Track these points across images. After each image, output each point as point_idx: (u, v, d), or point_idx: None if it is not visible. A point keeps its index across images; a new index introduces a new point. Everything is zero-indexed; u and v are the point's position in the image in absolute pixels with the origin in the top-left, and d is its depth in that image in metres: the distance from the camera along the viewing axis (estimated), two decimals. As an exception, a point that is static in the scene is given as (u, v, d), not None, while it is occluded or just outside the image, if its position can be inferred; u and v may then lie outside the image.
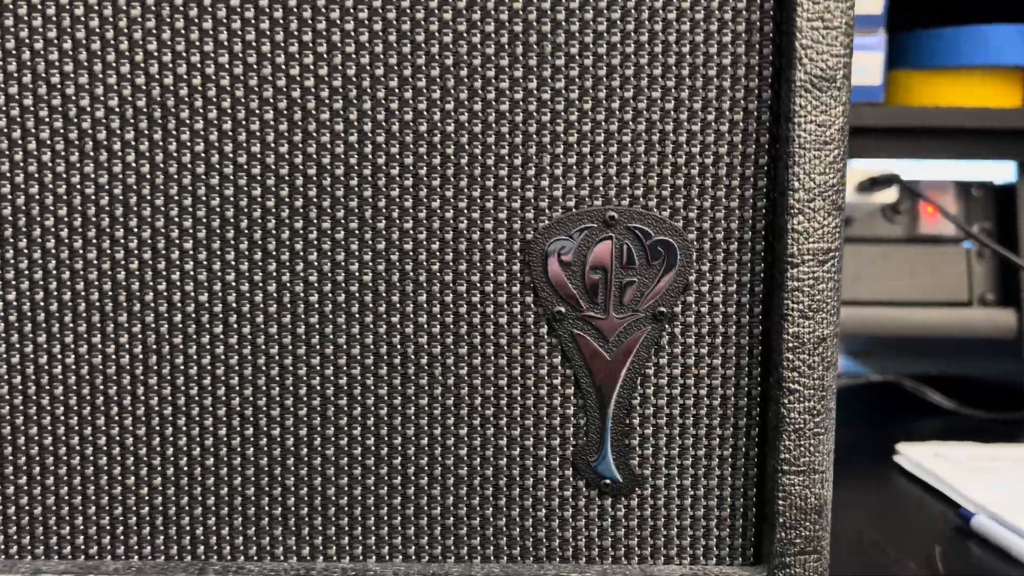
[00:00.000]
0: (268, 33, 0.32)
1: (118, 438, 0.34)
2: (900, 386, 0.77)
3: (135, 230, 0.33)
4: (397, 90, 0.32)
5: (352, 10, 0.32)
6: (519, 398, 0.34)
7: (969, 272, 0.78)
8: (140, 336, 0.33)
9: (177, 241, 0.33)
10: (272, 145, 0.32)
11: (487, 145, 0.33)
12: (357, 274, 0.33)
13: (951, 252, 0.77)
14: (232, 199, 0.33)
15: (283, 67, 0.32)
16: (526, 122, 0.33)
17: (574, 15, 0.32)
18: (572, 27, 0.32)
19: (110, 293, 0.33)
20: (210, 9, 0.32)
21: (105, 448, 0.34)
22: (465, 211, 0.33)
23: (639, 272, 0.33)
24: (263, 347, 0.33)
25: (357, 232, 0.33)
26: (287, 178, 0.33)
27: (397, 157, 0.33)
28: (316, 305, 0.33)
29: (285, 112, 0.32)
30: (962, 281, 0.77)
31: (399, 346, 0.34)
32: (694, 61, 0.33)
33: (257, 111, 0.32)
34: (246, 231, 0.33)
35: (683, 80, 0.33)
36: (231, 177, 0.33)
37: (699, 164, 0.33)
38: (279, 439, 0.34)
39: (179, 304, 0.33)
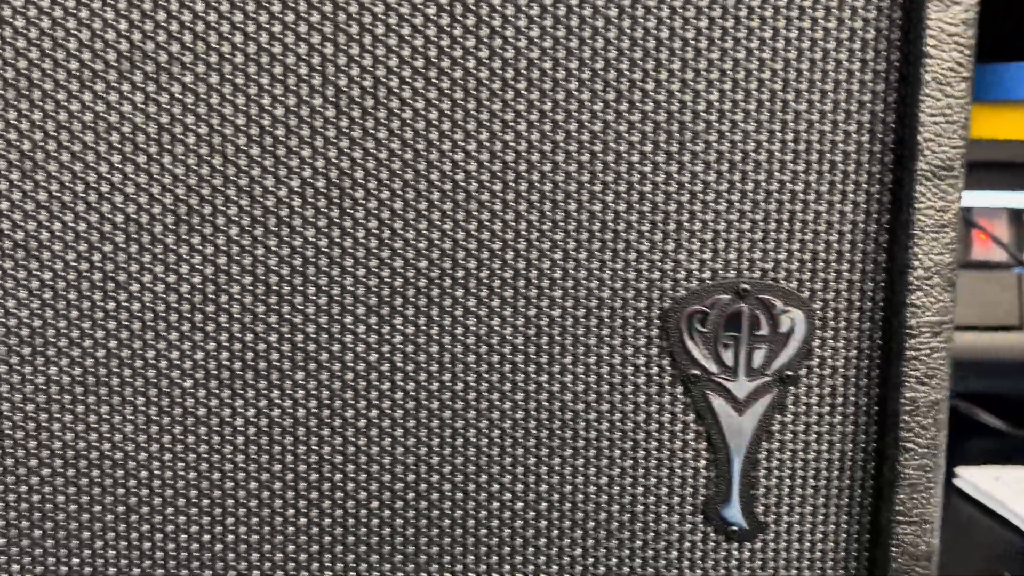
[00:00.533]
0: (427, 123, 0.35)
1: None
2: (954, 407, 0.80)
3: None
4: (550, 173, 0.36)
5: (511, 118, 0.35)
6: (655, 452, 0.37)
7: (1020, 297, 0.80)
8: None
9: (325, 326, 0.36)
10: (438, 221, 0.36)
11: (629, 222, 0.36)
12: (510, 337, 0.37)
13: (1003, 277, 0.80)
14: (390, 274, 0.36)
15: (449, 153, 0.36)
16: (666, 202, 0.36)
17: (712, 106, 0.35)
18: (711, 117, 0.36)
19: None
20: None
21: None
22: (608, 282, 0.36)
23: (768, 339, 0.36)
24: (426, 403, 0.37)
25: (511, 300, 0.36)
26: (450, 252, 0.36)
27: (548, 233, 0.36)
28: (473, 365, 0.37)
29: (450, 192, 0.36)
30: (1013, 305, 0.80)
31: (546, 403, 0.37)
32: (821, 148, 0.36)
33: (414, 198, 0.36)
34: (412, 299, 0.36)
35: (811, 165, 0.36)
36: (385, 245, 0.36)
37: (824, 241, 0.36)
38: (437, 485, 0.37)
39: (358, 392, 0.37)
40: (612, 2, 0.35)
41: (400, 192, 0.36)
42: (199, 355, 0.37)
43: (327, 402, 0.37)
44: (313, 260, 0.36)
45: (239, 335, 0.36)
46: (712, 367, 0.36)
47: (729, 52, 0.35)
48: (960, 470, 0.63)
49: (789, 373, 0.37)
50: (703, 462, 0.37)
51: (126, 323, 0.36)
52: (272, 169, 0.36)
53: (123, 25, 0.34)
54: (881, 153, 0.36)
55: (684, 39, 0.35)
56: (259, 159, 0.35)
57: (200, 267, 0.36)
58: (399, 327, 0.37)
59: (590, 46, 0.35)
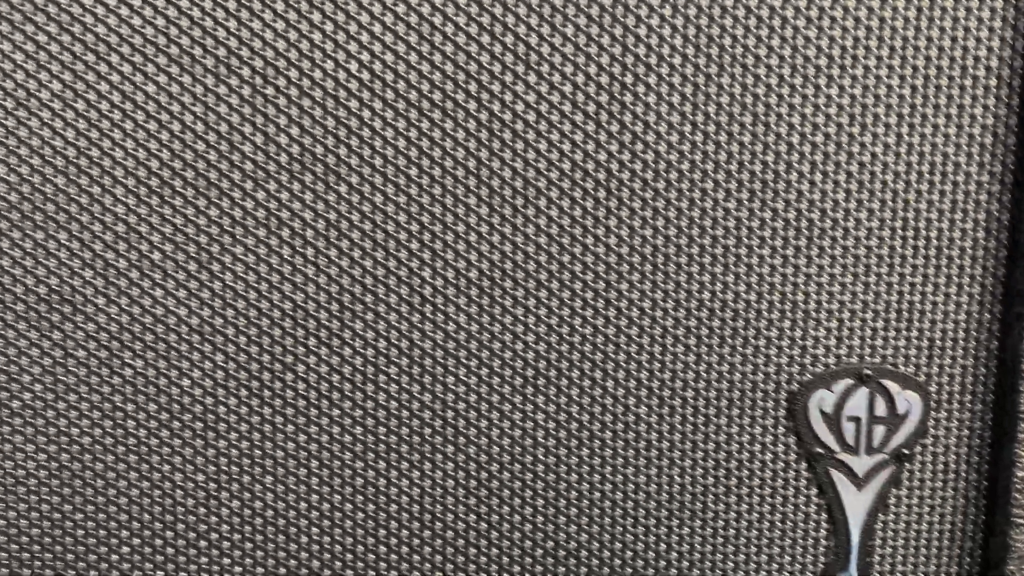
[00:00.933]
0: (572, 219, 0.38)
1: None
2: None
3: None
4: (686, 266, 0.39)
5: (650, 215, 0.38)
6: (779, 523, 0.40)
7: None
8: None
9: (474, 404, 0.39)
10: (580, 309, 0.39)
11: (759, 311, 0.39)
12: (645, 418, 0.39)
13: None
14: (534, 358, 0.39)
15: (592, 246, 0.38)
16: (794, 293, 0.39)
17: (839, 205, 0.38)
18: (837, 215, 0.38)
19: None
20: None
21: None
22: (738, 366, 0.39)
23: (886, 420, 0.39)
24: (564, 476, 0.40)
25: (647, 382, 0.39)
26: (591, 337, 0.39)
27: (683, 321, 0.39)
28: (610, 442, 0.40)
29: (591, 283, 0.39)
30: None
31: (677, 478, 0.40)
32: (939, 244, 0.38)
33: (558, 288, 0.39)
34: (555, 380, 0.39)
35: (929, 259, 0.39)
36: (530, 330, 0.39)
37: (940, 329, 0.39)
38: (575, 552, 0.40)
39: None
40: (747, 110, 0.38)
41: (546, 283, 0.39)
42: (358, 430, 0.39)
43: (474, 474, 0.40)
44: (465, 344, 0.39)
45: (396, 412, 0.39)
46: (835, 446, 0.39)
47: (855, 155, 0.38)
48: None
49: (905, 451, 0.39)
50: (823, 532, 0.40)
51: (291, 401, 0.39)
52: (408, 263, 0.38)
53: (270, 128, 0.37)
54: (996, 249, 0.38)
55: (813, 143, 0.38)
56: (395, 253, 0.38)
57: (362, 350, 0.39)
58: (541, 406, 0.39)
59: (725, 150, 0.38)
